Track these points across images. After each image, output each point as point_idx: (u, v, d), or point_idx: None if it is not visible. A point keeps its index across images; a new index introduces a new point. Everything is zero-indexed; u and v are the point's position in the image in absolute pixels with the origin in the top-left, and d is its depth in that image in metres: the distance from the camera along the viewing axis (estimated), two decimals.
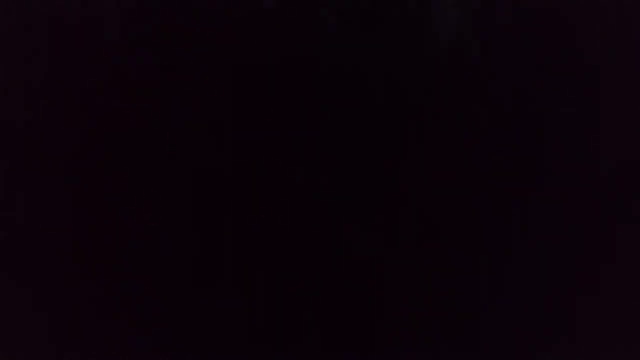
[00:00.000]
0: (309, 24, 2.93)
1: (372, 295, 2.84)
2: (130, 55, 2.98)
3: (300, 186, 2.94)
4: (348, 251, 2.88)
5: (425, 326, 2.80)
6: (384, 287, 2.84)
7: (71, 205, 2.94)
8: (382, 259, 2.87)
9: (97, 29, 2.99)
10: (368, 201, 2.92)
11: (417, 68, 2.93)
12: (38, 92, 3.01)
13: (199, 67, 3.00)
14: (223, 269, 2.88)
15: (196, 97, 2.98)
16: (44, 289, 2.85)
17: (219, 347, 2.82)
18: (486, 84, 2.92)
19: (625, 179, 2.87)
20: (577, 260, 2.83)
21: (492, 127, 2.89)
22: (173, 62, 3.00)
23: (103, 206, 2.92)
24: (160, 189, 2.95)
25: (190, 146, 2.97)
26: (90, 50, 2.98)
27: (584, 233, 2.84)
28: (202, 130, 2.98)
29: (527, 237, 2.85)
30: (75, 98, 3.00)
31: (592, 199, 2.86)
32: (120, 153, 2.98)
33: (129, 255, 2.88)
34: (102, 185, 2.93)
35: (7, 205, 2.92)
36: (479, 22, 2.90)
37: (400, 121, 2.90)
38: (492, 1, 2.90)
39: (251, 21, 2.95)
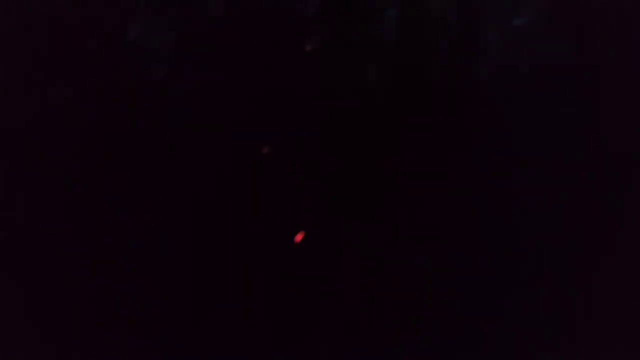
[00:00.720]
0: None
1: (373, 296, 2.84)
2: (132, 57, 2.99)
3: (302, 188, 2.95)
4: (348, 251, 2.88)
5: (425, 326, 2.81)
6: (384, 287, 2.84)
7: (71, 205, 2.94)
8: (383, 259, 2.87)
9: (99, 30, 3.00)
10: (370, 202, 2.92)
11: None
12: (38, 93, 3.01)
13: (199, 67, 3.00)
14: (223, 269, 2.88)
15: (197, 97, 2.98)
16: (44, 289, 2.85)
17: (219, 347, 2.82)
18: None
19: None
20: (576, 260, 2.83)
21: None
22: (175, 67, 3.01)
23: (103, 206, 2.92)
24: (160, 190, 2.95)
25: (192, 149, 2.98)
26: (90, 51, 2.98)
27: (584, 233, 2.85)
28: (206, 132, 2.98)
29: (528, 237, 2.85)
30: (75, 99, 3.01)
31: (592, 198, 2.87)
32: (121, 154, 2.98)
33: (129, 255, 2.88)
34: (102, 185, 2.94)
35: (7, 205, 2.93)
36: None
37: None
38: None
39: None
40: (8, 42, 2.99)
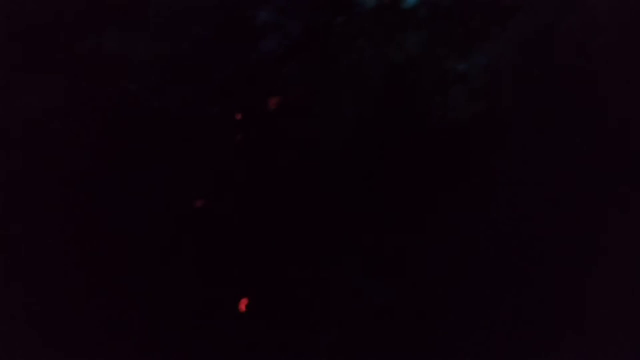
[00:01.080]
0: None
1: (373, 297, 2.85)
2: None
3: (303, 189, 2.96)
4: (349, 251, 2.89)
5: (425, 326, 2.81)
6: (384, 287, 2.85)
7: (70, 206, 2.94)
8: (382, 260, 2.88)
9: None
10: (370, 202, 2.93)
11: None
12: (38, 93, 3.02)
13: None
14: (222, 270, 2.89)
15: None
16: (43, 289, 2.85)
17: (219, 347, 2.82)
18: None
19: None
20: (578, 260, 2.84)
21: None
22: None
23: (103, 206, 2.93)
24: (160, 191, 2.95)
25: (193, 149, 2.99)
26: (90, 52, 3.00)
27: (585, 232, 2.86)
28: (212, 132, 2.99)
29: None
30: (76, 99, 3.01)
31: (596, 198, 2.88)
32: (121, 154, 2.99)
33: (129, 255, 2.88)
34: (101, 185, 2.94)
35: (7, 205, 2.93)
36: None
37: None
38: None
39: None
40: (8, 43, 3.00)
